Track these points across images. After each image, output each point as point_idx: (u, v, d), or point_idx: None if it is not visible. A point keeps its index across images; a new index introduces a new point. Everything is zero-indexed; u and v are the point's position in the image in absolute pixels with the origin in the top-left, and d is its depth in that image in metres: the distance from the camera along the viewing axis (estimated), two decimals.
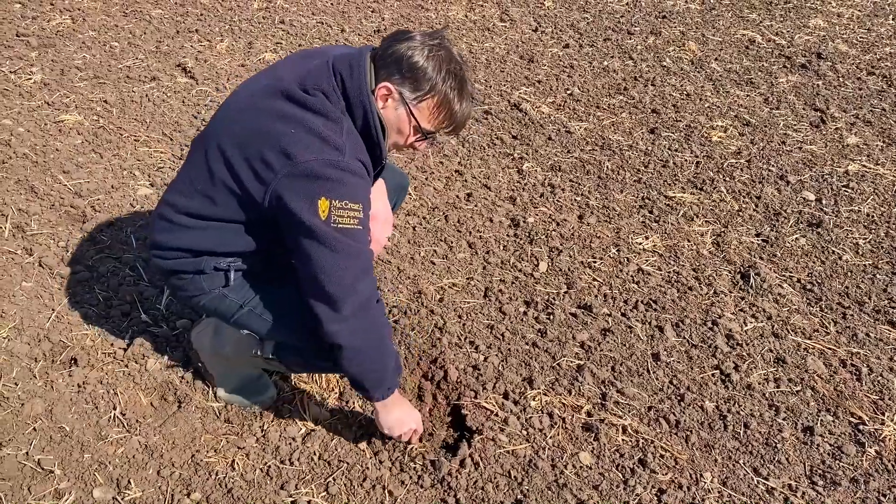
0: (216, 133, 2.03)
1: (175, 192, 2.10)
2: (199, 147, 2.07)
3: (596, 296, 2.97)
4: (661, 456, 2.31)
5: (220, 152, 1.98)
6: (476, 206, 3.51)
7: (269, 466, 2.24)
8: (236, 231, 2.05)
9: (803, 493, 2.21)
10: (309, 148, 1.86)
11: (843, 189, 3.71)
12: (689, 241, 3.32)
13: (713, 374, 2.62)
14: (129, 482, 2.14)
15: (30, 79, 4.17)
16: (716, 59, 5.08)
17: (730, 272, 3.13)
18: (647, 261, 3.18)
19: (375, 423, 2.23)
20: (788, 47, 5.27)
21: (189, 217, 2.06)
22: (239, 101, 2.06)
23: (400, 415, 2.20)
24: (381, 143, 2.02)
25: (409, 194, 3.54)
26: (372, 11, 5.55)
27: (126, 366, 2.51)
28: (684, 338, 2.77)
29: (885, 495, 2.21)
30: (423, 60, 1.93)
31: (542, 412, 2.44)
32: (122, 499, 2.10)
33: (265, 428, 2.37)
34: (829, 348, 2.75)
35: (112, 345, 2.58)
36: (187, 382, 2.49)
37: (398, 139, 2.07)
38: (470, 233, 3.33)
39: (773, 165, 3.90)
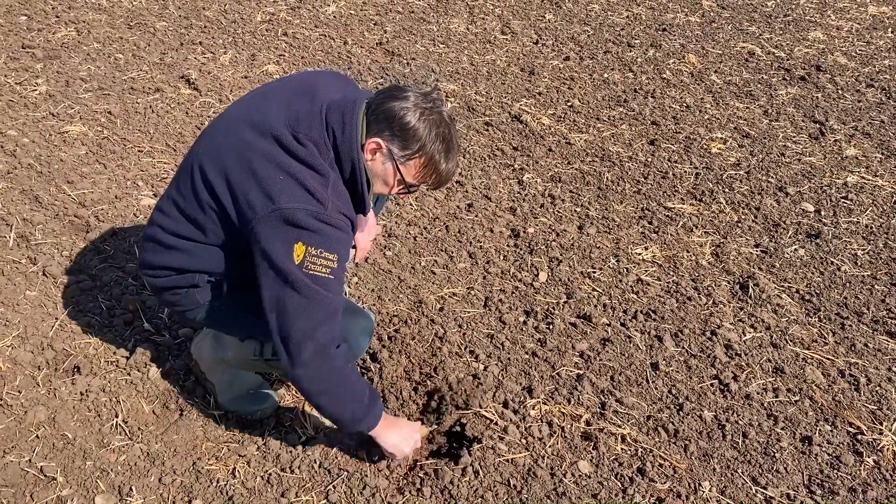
0: (202, 158, 2.06)
1: (163, 214, 2.14)
2: (186, 170, 2.11)
3: (595, 306, 2.98)
4: (660, 465, 2.32)
5: (206, 179, 2.02)
6: (476, 216, 3.54)
7: (270, 474, 2.25)
8: (225, 254, 2.10)
9: (801, 502, 2.22)
10: (293, 196, 1.90)
11: (842, 200, 3.73)
12: (688, 251, 3.34)
13: (712, 384, 2.63)
14: (130, 489, 2.16)
15: (35, 90, 4.21)
16: (715, 72, 5.11)
17: (729, 282, 3.15)
18: (646, 271, 3.20)
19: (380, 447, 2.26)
20: (788, 60, 5.31)
21: (178, 238, 2.10)
22: (227, 127, 2.08)
23: (398, 436, 2.24)
24: (366, 197, 2.07)
25: (411, 204, 3.57)
26: (374, 24, 5.59)
27: (128, 374, 2.53)
28: (683, 347, 2.79)
29: None
30: (415, 121, 1.97)
31: (542, 421, 2.46)
32: None
33: (266, 436, 2.39)
34: (828, 358, 2.76)
35: (114, 353, 2.60)
36: (189, 391, 2.51)
37: (383, 189, 2.12)
38: (470, 243, 3.35)
39: (772, 177, 3.93)
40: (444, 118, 2.02)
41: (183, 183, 2.09)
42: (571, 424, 2.45)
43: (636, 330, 2.86)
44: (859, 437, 2.44)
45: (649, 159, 4.06)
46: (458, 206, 3.61)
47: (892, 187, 3.85)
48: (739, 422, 2.48)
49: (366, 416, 2.12)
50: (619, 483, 2.26)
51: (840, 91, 4.87)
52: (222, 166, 1.99)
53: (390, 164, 2.02)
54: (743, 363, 2.72)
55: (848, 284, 3.16)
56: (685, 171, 3.95)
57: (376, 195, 2.58)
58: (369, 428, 2.15)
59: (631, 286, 3.11)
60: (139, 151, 3.79)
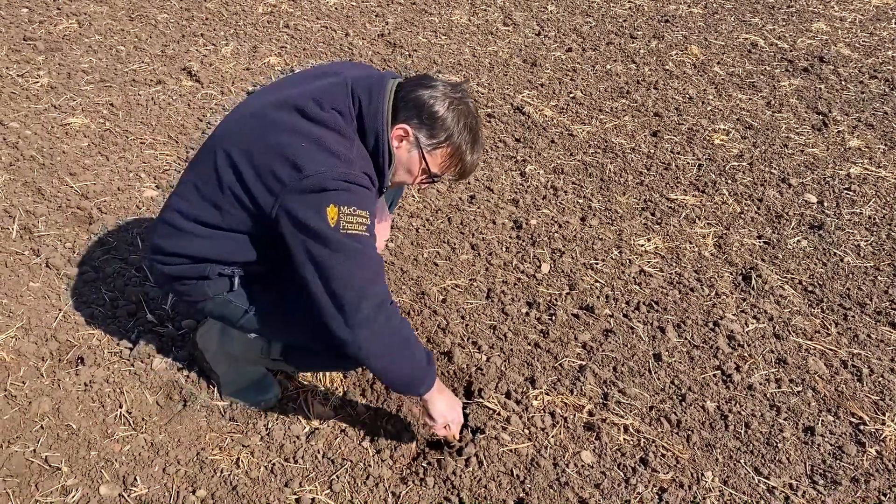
0: (225, 140, 2.03)
1: (180, 198, 2.09)
2: (207, 153, 2.06)
3: (598, 297, 2.98)
4: (663, 455, 2.33)
5: (230, 160, 1.98)
6: (479, 208, 3.54)
7: (274, 464, 2.26)
8: (242, 241, 2.06)
9: (804, 492, 2.23)
10: (318, 161, 1.87)
11: (845, 192, 3.73)
12: (690, 242, 3.34)
13: (714, 375, 2.63)
14: (135, 479, 2.17)
15: (37, 82, 4.21)
16: (718, 63, 5.10)
17: (731, 274, 3.15)
18: (648, 262, 3.20)
19: (421, 415, 2.23)
20: (791, 51, 5.29)
21: (196, 224, 2.06)
22: (250, 109, 2.06)
23: (446, 403, 2.19)
24: (386, 171, 2.04)
25: (413, 196, 3.57)
26: (376, 16, 5.58)
27: (132, 365, 2.53)
28: (686, 338, 2.79)
29: (885, 494, 2.22)
30: (444, 111, 1.97)
31: (545, 411, 2.46)
32: (128, 496, 2.12)
33: (269, 426, 2.39)
34: (831, 349, 2.77)
35: (118, 344, 2.61)
36: (192, 381, 2.52)
37: (406, 178, 2.10)
38: (473, 234, 3.35)
39: (774, 168, 3.92)
40: (471, 109, 2.02)
41: (204, 167, 2.05)
42: (574, 415, 2.45)
43: (639, 321, 2.86)
44: (862, 427, 2.44)
45: (652, 151, 4.05)
46: (460, 198, 3.61)
47: (895, 178, 3.84)
48: (742, 412, 2.48)
49: (426, 376, 2.06)
50: (621, 473, 2.27)
51: (843, 82, 4.85)
52: (246, 146, 1.96)
53: (416, 152, 2.02)
54: (745, 354, 2.72)
55: (851, 275, 3.16)
56: (688, 163, 3.95)
57: (391, 196, 2.58)
58: (427, 389, 2.09)
59: (633, 277, 3.11)
60: (141, 143, 3.79)
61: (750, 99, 4.63)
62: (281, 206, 1.89)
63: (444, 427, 2.22)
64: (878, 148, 4.12)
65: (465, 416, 2.43)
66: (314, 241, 1.88)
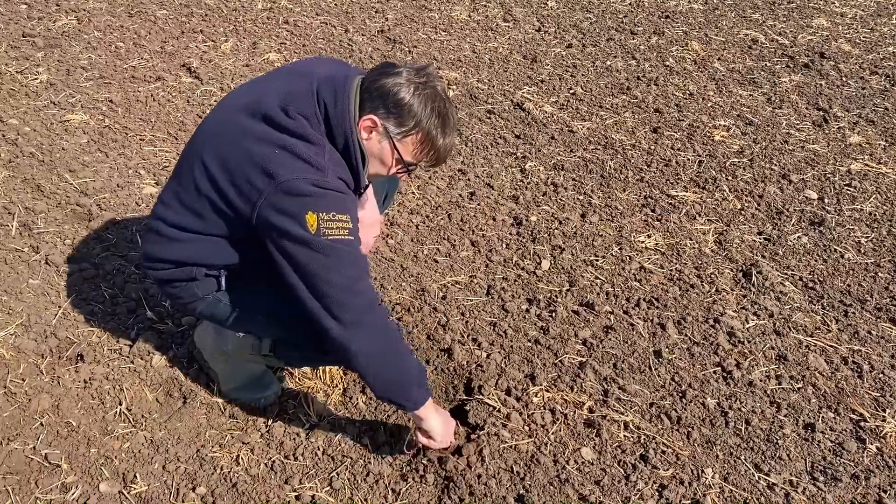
0: (200, 148, 2.06)
1: (163, 206, 2.13)
2: (186, 161, 2.10)
3: (598, 293, 2.98)
4: (663, 452, 2.32)
5: (205, 169, 2.01)
6: (479, 204, 3.53)
7: (274, 461, 2.26)
8: (225, 244, 2.08)
9: (804, 488, 2.22)
10: (291, 168, 1.89)
11: (846, 188, 3.72)
12: (691, 239, 3.34)
13: (715, 371, 2.63)
14: (135, 476, 2.17)
15: (36, 79, 4.20)
16: (719, 59, 5.09)
17: (732, 270, 3.15)
18: (649, 259, 3.20)
19: (416, 434, 2.20)
20: (791, 47, 5.28)
21: (178, 230, 2.09)
22: (222, 116, 2.09)
23: (441, 421, 2.18)
24: (361, 171, 2.04)
25: (413, 192, 3.56)
26: (375, 12, 5.57)
27: (132, 362, 2.53)
28: (686, 335, 2.79)
29: (885, 491, 2.22)
30: (409, 97, 1.95)
31: (545, 408, 2.46)
32: (128, 493, 2.12)
33: (269, 423, 2.39)
34: (831, 346, 2.76)
35: (118, 341, 2.61)
36: (192, 378, 2.51)
37: (380, 169, 2.09)
38: (473, 231, 3.35)
39: (775, 164, 3.91)
40: (438, 93, 1.99)
41: (184, 175, 2.09)
42: (574, 411, 2.45)
43: (639, 318, 2.86)
44: (862, 424, 2.44)
45: (652, 147, 4.04)
46: (460, 195, 3.60)
47: None
48: (742, 409, 2.48)
49: (421, 383, 2.05)
50: (621, 470, 2.26)
51: (844, 78, 4.84)
52: (220, 154, 1.99)
53: (387, 142, 2.01)
54: (746, 350, 2.72)
55: (851, 272, 3.15)
56: (688, 159, 3.94)
57: (385, 191, 2.58)
58: (423, 399, 2.07)
59: (634, 274, 3.10)
60: (140, 140, 3.78)
61: (750, 95, 4.62)
62: (260, 214, 1.91)
63: (440, 446, 2.23)
64: (879, 144, 4.11)
65: (466, 412, 2.44)
66: (296, 246, 1.89)
